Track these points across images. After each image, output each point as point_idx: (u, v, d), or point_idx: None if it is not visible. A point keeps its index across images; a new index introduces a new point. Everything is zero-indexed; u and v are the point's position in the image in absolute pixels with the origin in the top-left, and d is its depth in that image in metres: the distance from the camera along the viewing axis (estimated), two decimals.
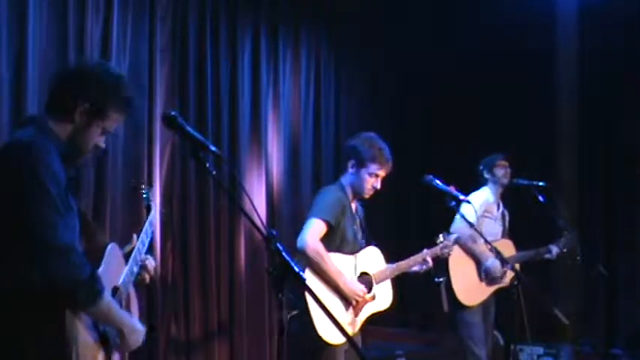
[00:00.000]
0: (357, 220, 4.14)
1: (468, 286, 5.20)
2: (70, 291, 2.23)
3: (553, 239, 5.56)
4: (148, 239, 3.00)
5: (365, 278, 4.01)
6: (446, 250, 4.26)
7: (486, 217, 5.35)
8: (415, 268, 4.18)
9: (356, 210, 4.15)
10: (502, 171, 5.45)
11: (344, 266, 3.93)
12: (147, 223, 3.07)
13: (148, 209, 3.31)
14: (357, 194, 4.10)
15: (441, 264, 5.07)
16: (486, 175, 5.49)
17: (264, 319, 5.84)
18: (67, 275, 2.21)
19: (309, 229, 3.85)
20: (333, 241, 3.92)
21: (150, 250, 5.17)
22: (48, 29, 4.45)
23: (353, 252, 4.01)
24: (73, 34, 4.58)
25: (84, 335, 2.33)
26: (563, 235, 5.57)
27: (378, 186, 4.06)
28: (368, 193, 4.07)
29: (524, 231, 5.86)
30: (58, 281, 2.20)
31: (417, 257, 4.15)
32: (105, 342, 2.46)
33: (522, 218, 5.96)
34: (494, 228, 5.43)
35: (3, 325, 2.24)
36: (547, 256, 5.51)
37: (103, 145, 2.53)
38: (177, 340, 5.25)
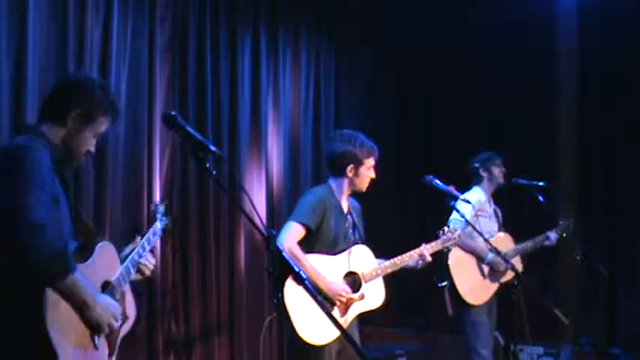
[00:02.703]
0: (349, 219, 4.12)
1: (473, 286, 5.17)
2: (46, 263, 2.31)
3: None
4: (150, 246, 3.04)
5: (352, 277, 3.98)
6: (449, 244, 4.24)
7: (481, 215, 5.33)
8: (411, 264, 4.15)
9: (348, 209, 4.13)
10: (498, 170, 5.44)
11: (329, 267, 3.91)
12: (150, 232, 3.10)
13: (155, 219, 3.30)
14: (357, 191, 4.11)
15: (443, 268, 5.05)
16: (482, 173, 5.42)
17: (263, 319, 5.82)
18: (44, 248, 2.29)
19: (285, 232, 3.86)
20: (317, 242, 3.92)
21: (151, 249, 5.16)
22: (48, 29, 4.46)
23: (343, 251, 3.99)
24: (73, 34, 4.59)
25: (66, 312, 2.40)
26: (559, 222, 5.54)
27: (374, 175, 4.10)
28: (367, 185, 4.12)
29: (523, 231, 5.85)
30: (35, 253, 2.29)
31: (413, 253, 4.12)
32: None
33: (521, 218, 5.94)
34: (490, 225, 5.40)
35: None
36: (546, 243, 5.43)
37: (93, 150, 2.72)
38: (177, 340, 5.26)
